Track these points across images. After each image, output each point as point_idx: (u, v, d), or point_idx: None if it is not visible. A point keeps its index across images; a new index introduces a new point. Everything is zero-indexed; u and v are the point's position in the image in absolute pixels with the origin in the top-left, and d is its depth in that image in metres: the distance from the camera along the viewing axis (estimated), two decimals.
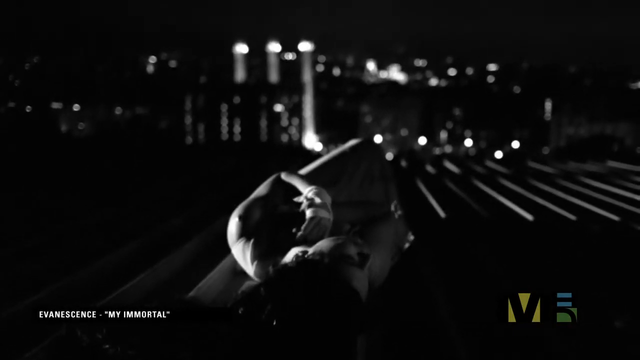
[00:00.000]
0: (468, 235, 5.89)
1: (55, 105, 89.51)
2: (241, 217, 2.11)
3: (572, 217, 7.13)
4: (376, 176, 2.66)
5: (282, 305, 1.30)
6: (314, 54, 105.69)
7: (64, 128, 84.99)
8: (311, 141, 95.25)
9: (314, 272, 1.44)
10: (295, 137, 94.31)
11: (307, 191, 2.16)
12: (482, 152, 74.77)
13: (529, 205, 7.82)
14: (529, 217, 7.10)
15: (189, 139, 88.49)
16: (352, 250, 1.72)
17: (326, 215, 2.04)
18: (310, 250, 1.73)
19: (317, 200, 2.09)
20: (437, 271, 3.59)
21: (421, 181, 10.76)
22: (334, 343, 1.30)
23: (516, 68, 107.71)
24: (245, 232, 2.08)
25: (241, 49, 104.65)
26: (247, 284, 1.55)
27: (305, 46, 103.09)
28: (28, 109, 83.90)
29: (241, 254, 2.05)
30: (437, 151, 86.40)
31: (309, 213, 2.04)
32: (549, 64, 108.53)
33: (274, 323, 1.27)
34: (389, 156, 27.68)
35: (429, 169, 14.71)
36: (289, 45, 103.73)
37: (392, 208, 2.43)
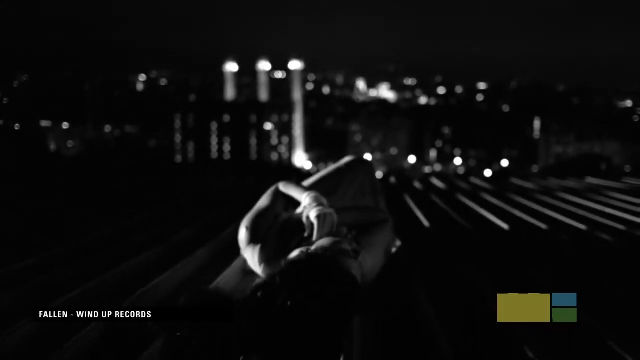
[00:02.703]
0: (449, 242, 6.20)
1: (44, 123, 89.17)
2: (248, 228, 2.45)
3: (543, 226, 7.46)
4: (367, 191, 2.96)
5: (295, 290, 1.61)
6: (304, 72, 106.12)
7: (52, 146, 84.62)
8: (301, 160, 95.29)
9: (319, 262, 1.76)
10: (285, 156, 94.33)
11: (304, 197, 2.46)
12: (471, 171, 74.88)
13: (505, 216, 8.15)
14: (505, 226, 7.41)
15: (179, 158, 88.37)
16: (347, 246, 2.08)
17: (329, 210, 2.34)
18: (313, 247, 2.09)
19: (315, 203, 2.39)
20: (421, 273, 3.90)
21: (409, 196, 11.06)
22: (339, 321, 1.62)
23: (505, 87, 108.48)
24: (253, 240, 2.42)
25: (231, 67, 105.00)
26: (258, 280, 1.83)
27: (295, 65, 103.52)
28: (17, 126, 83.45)
29: (251, 257, 2.40)
30: (426, 170, 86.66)
31: (314, 213, 2.32)
32: (537, 83, 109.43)
33: (289, 305, 1.58)
34: (379, 174, 27.87)
35: (417, 185, 15.04)
36: (279, 63, 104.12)
37: None
